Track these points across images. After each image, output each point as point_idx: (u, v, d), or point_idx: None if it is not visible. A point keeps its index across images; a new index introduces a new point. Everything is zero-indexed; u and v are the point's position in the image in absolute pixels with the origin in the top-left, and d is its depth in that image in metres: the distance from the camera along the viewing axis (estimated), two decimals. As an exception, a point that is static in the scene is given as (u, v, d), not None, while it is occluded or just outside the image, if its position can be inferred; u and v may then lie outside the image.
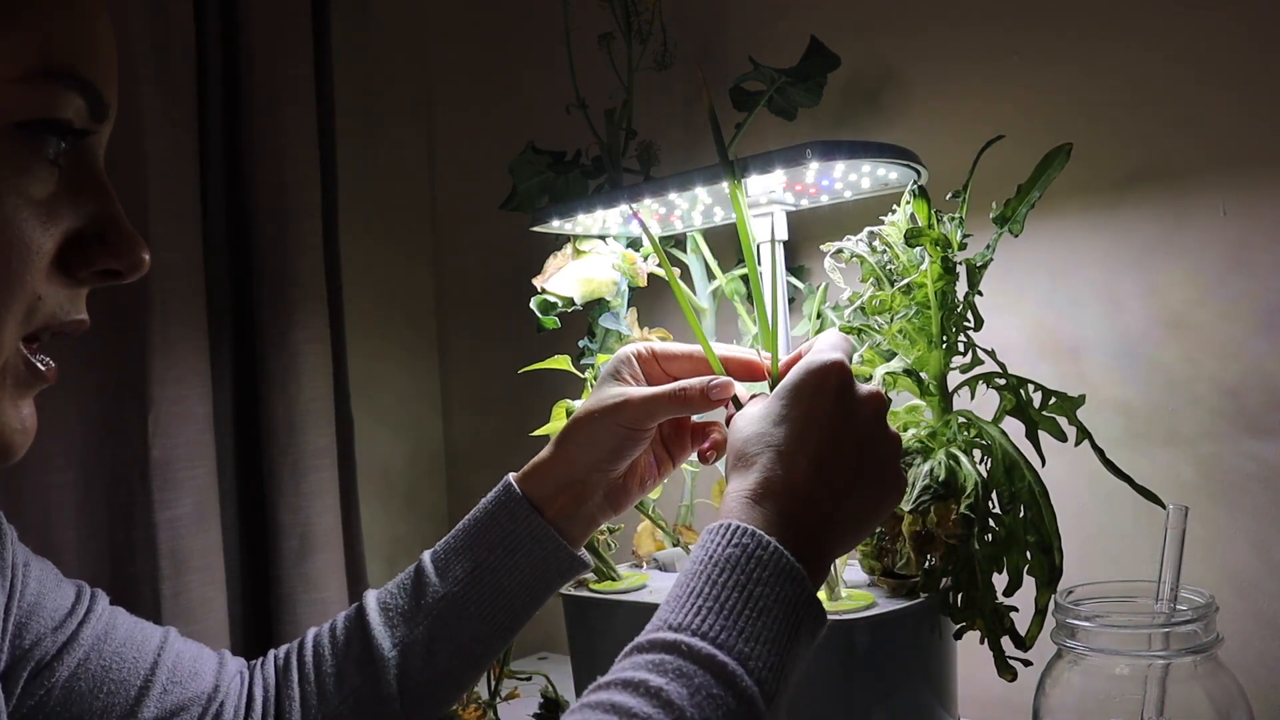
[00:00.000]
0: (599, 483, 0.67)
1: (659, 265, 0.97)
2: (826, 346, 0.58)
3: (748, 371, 0.65)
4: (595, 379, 0.91)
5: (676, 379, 0.66)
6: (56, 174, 0.45)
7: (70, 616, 0.62)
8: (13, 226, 0.43)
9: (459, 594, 0.65)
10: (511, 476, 0.68)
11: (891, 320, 0.73)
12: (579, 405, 0.68)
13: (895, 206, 0.74)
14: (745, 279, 0.96)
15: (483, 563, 0.65)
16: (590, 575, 0.85)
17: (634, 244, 0.99)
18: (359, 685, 0.65)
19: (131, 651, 0.64)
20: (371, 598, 0.68)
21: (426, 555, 0.68)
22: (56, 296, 0.47)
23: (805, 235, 1.00)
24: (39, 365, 0.47)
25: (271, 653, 0.70)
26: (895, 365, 0.72)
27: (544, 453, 0.67)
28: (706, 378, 0.63)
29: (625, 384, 0.66)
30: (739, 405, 0.62)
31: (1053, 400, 0.69)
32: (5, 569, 0.60)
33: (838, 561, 0.73)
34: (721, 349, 0.65)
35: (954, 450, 0.70)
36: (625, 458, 0.66)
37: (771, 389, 0.60)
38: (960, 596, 0.69)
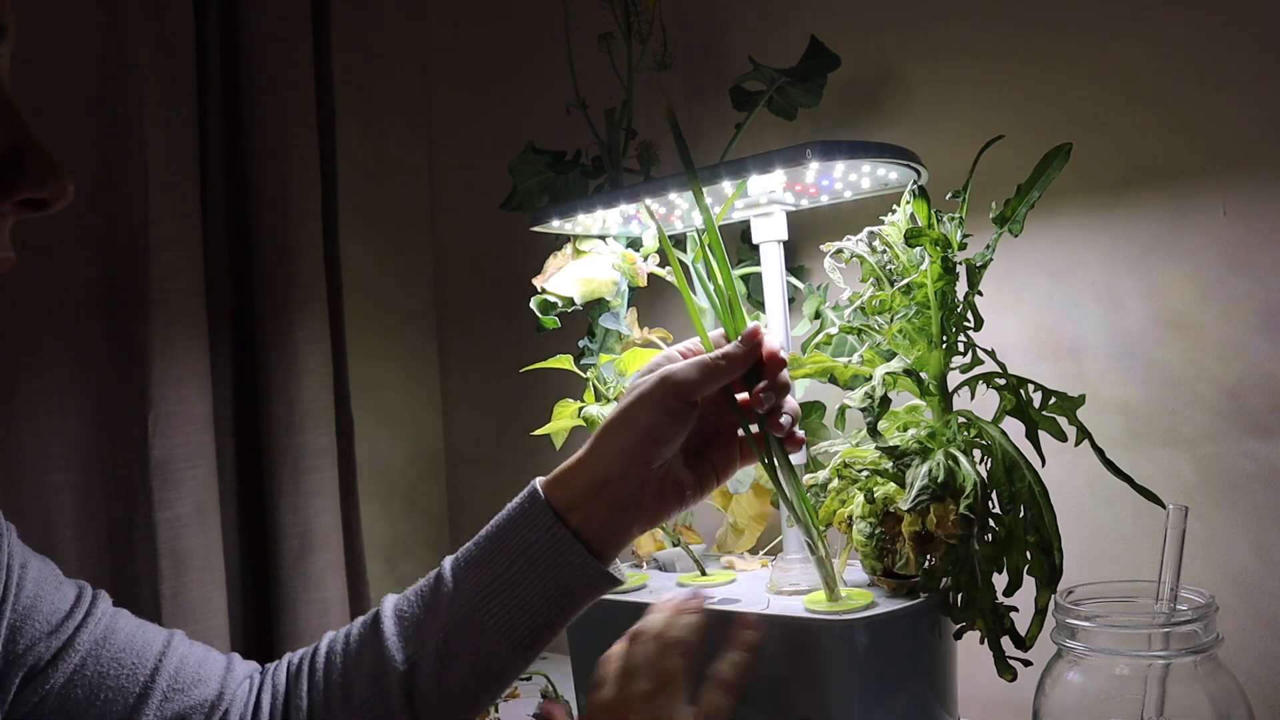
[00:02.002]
0: (633, 482, 0.61)
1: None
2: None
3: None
4: (597, 379, 0.91)
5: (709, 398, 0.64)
6: None
7: (68, 620, 0.60)
8: None
9: (476, 607, 0.60)
10: (538, 481, 0.63)
11: (891, 320, 0.73)
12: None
13: (895, 206, 0.74)
14: (745, 278, 0.96)
15: (502, 575, 0.61)
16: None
17: (634, 244, 0.99)
18: (368, 698, 0.61)
19: (131, 657, 0.61)
20: (389, 605, 0.64)
21: (447, 562, 0.64)
22: None
23: (805, 235, 1.00)
24: None
25: (287, 657, 0.67)
26: (895, 365, 0.72)
27: (576, 454, 0.63)
28: (736, 341, 0.63)
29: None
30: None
31: (1053, 400, 0.69)
32: (0, 569, 0.58)
33: (837, 561, 0.73)
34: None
35: (953, 450, 0.70)
36: (663, 443, 0.61)
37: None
38: (960, 596, 0.69)
